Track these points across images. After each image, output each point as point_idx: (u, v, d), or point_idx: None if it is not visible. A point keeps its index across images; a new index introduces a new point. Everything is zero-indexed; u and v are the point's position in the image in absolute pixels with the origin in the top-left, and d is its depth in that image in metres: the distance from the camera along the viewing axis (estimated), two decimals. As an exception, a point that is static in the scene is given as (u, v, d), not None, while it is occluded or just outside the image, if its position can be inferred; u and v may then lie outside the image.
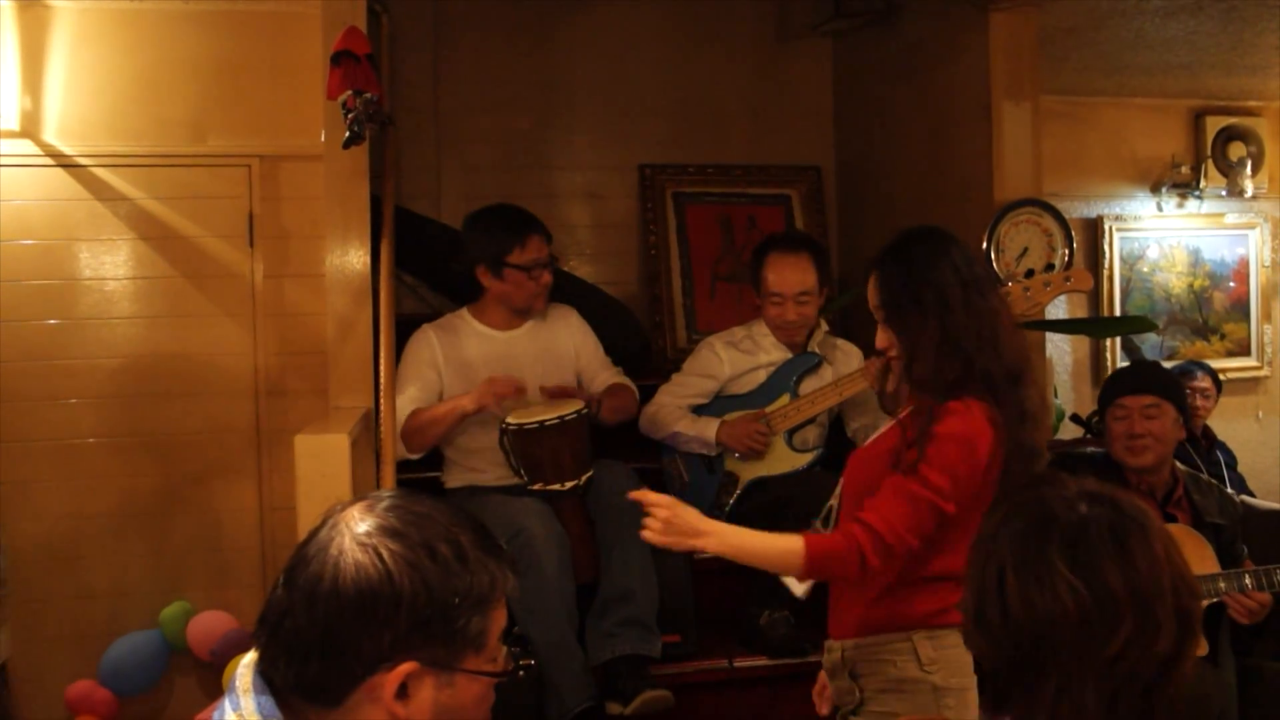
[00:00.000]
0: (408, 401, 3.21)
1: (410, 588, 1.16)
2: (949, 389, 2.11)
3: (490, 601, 1.22)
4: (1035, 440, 2.14)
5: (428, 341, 3.33)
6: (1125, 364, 3.62)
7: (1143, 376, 3.26)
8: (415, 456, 3.26)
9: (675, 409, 3.50)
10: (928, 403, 2.14)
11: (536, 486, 3.18)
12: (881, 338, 2.22)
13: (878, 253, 2.24)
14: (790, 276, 3.37)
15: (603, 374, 3.49)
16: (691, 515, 2.07)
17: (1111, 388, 3.25)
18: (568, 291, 3.90)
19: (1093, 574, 1.21)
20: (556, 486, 3.16)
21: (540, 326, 3.45)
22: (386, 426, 3.02)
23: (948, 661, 2.08)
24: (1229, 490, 3.36)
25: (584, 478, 3.19)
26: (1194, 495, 3.12)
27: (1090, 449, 3.90)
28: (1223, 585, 2.93)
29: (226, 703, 1.21)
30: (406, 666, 1.16)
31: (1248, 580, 2.93)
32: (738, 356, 3.51)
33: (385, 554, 1.17)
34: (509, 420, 3.15)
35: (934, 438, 2.07)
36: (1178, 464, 3.21)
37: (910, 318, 2.14)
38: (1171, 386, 3.18)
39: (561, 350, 3.45)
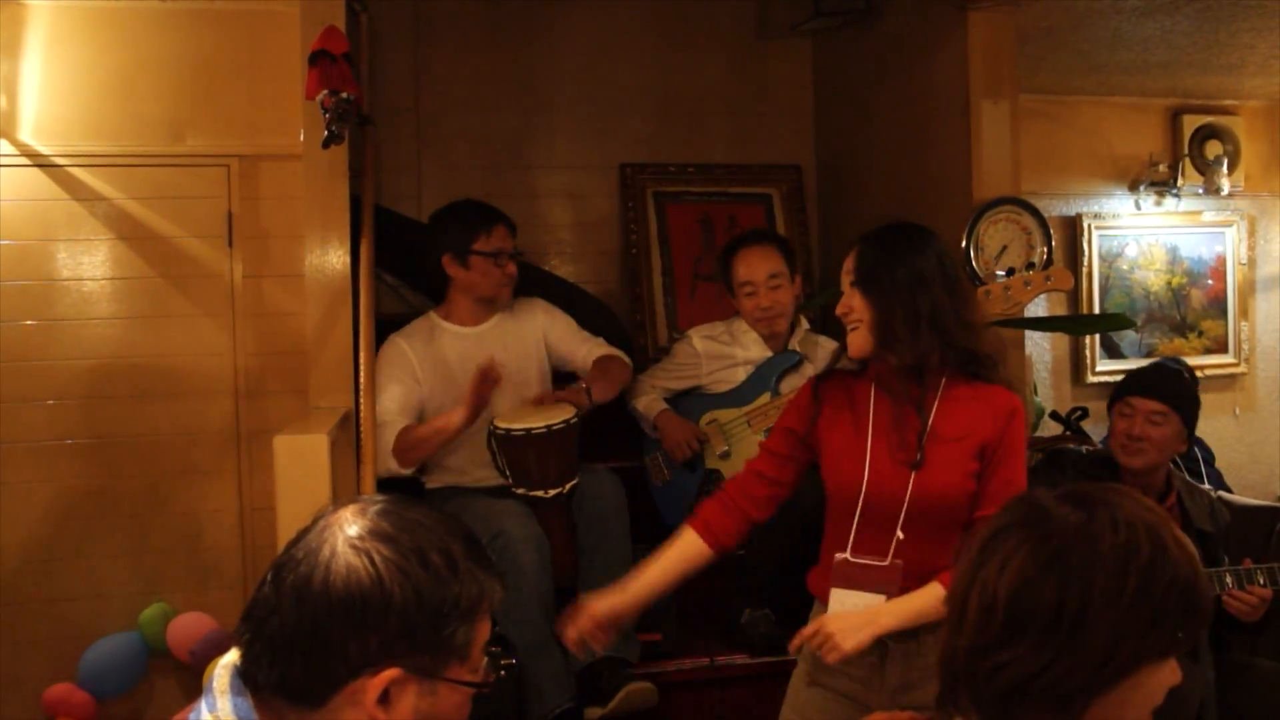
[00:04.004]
0: (394, 415, 3.18)
1: (400, 594, 1.16)
2: (938, 372, 2.17)
3: (477, 612, 1.22)
4: None
5: (400, 351, 3.31)
6: (1148, 362, 3.51)
7: (1158, 382, 3.16)
8: (408, 472, 3.23)
9: (647, 386, 3.61)
10: (913, 389, 2.18)
11: (520, 491, 3.18)
12: (844, 303, 2.23)
13: (864, 232, 2.27)
14: (757, 264, 3.45)
15: (583, 348, 3.48)
16: (852, 618, 2.14)
17: (1124, 383, 3.20)
18: (547, 290, 3.89)
19: (958, 576, 1.30)
20: (540, 493, 3.15)
21: (508, 318, 3.46)
22: (366, 427, 3.02)
23: None
24: (1214, 491, 3.37)
25: (568, 485, 3.19)
26: (1186, 502, 3.13)
27: (1085, 447, 3.90)
28: None
29: (203, 703, 1.21)
30: (391, 673, 1.16)
31: (1228, 579, 2.95)
32: (714, 347, 3.55)
33: (377, 558, 1.17)
34: (498, 424, 3.14)
35: (1018, 432, 2.16)
36: (1175, 469, 3.21)
37: (884, 289, 2.16)
38: (1184, 399, 3.11)
39: (529, 337, 3.45)
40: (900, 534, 2.17)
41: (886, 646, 2.19)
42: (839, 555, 2.24)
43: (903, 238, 2.21)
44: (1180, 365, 4.74)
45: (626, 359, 3.52)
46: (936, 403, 2.18)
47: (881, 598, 2.17)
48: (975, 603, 1.23)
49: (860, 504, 2.20)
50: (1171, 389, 3.13)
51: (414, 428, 3.20)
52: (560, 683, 2.97)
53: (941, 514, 2.17)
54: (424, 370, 3.30)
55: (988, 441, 2.16)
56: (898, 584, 2.17)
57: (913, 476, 2.17)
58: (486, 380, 3.06)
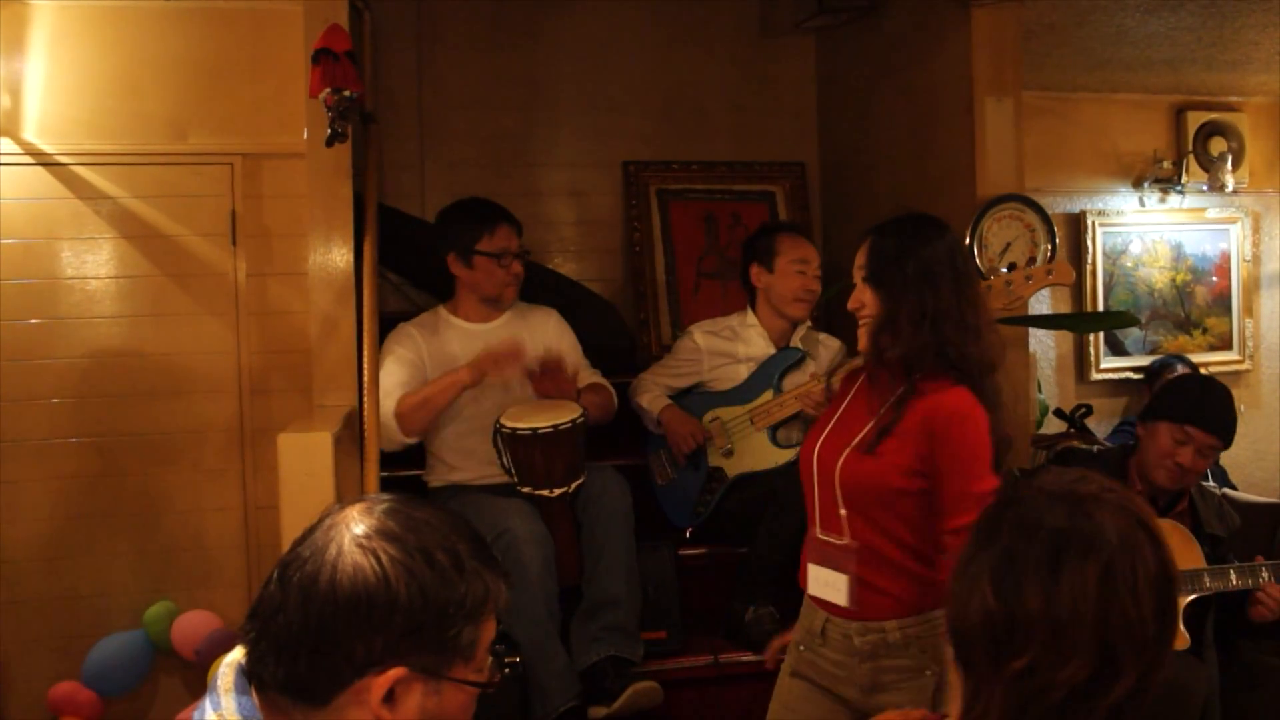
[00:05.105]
0: (395, 386, 3.19)
1: (406, 594, 1.16)
2: (925, 371, 2.15)
3: (483, 612, 1.22)
4: (1006, 430, 2.19)
5: (409, 335, 3.35)
6: (1189, 374, 3.19)
7: (1220, 417, 3.00)
8: (412, 440, 3.23)
9: (650, 383, 3.61)
10: (898, 384, 2.17)
11: (525, 489, 3.17)
12: (855, 298, 2.23)
13: (876, 223, 2.26)
14: (811, 250, 3.51)
15: (579, 374, 3.48)
16: None
17: (1185, 406, 3.01)
18: (552, 288, 3.89)
19: (1014, 592, 1.21)
20: (545, 492, 3.15)
21: (517, 320, 3.46)
22: (370, 424, 3.01)
23: None
24: (1221, 489, 3.35)
25: (574, 485, 3.18)
26: (1198, 504, 3.11)
27: (1096, 446, 3.88)
28: (1208, 581, 2.94)
29: (207, 702, 1.21)
30: (396, 672, 1.16)
31: (1233, 576, 2.94)
32: (716, 343, 3.56)
33: (384, 558, 1.17)
34: (504, 422, 3.14)
35: (958, 438, 2.10)
36: None
37: (894, 284, 2.15)
38: (1233, 431, 3.02)
39: (539, 342, 3.44)
40: (842, 511, 2.19)
41: (853, 643, 2.20)
42: (811, 531, 2.29)
43: (915, 230, 2.21)
44: (1186, 364, 4.75)
45: (614, 394, 3.52)
46: (908, 397, 2.17)
47: (845, 577, 2.18)
48: (1075, 643, 1.19)
49: (815, 481, 2.25)
50: (1228, 425, 3.01)
51: (417, 390, 3.20)
52: (565, 682, 2.97)
53: (869, 499, 2.17)
54: (430, 357, 3.32)
55: (920, 448, 2.12)
56: (854, 564, 2.17)
57: (843, 458, 2.18)
58: (510, 356, 3.12)
